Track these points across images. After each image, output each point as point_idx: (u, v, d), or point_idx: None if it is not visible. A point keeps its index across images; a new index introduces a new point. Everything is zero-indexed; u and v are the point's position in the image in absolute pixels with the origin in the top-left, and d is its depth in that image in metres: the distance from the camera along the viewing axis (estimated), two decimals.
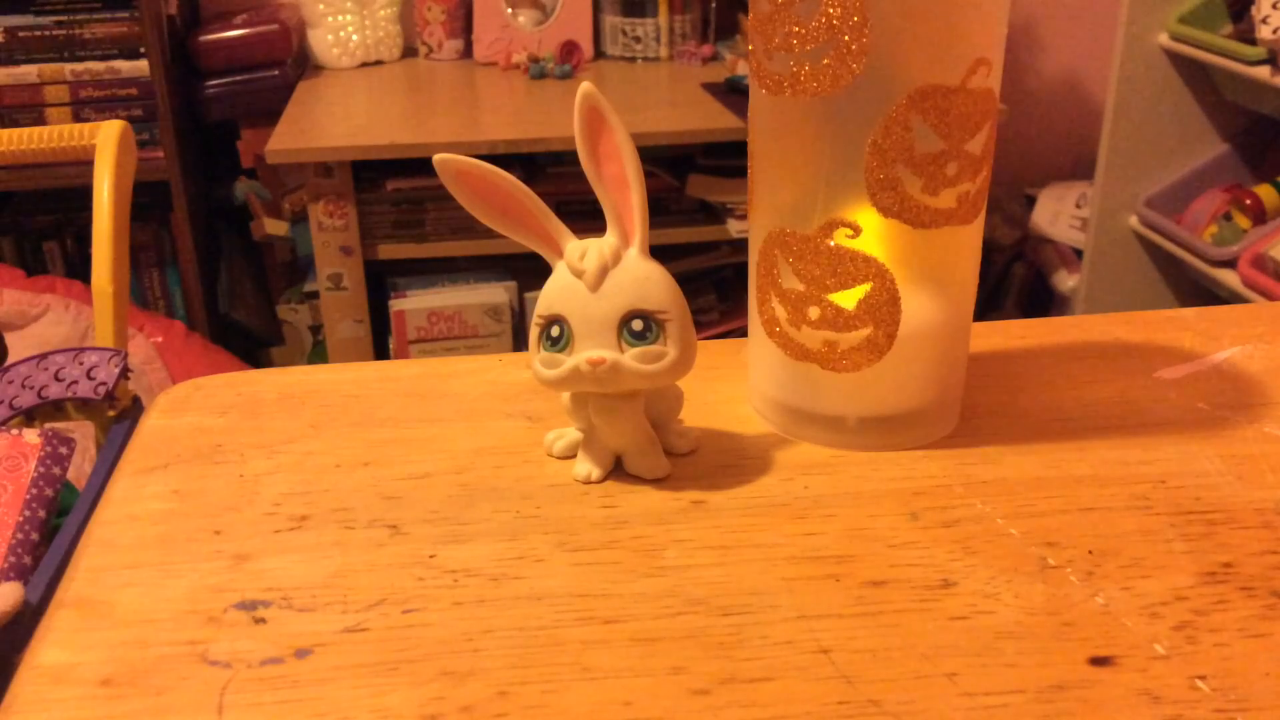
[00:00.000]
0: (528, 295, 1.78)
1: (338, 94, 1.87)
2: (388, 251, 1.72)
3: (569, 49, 1.98)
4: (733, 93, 1.78)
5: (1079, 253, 2.00)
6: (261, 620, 0.34)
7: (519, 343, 1.77)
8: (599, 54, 2.04)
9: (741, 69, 1.88)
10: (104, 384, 0.87)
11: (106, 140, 1.03)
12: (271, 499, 0.40)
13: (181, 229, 1.87)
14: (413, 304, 1.73)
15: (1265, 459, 0.42)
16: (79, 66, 1.80)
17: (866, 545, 0.37)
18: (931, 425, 0.43)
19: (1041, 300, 2.10)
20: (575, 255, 0.38)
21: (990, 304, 2.12)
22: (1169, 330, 0.52)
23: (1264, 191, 1.73)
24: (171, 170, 1.82)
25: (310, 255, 1.74)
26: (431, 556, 0.37)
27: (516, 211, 0.39)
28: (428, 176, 1.61)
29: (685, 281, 0.44)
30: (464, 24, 2.01)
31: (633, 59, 2.02)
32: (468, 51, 2.02)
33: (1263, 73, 1.57)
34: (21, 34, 1.79)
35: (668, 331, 0.38)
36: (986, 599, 0.34)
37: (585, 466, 0.41)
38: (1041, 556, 0.36)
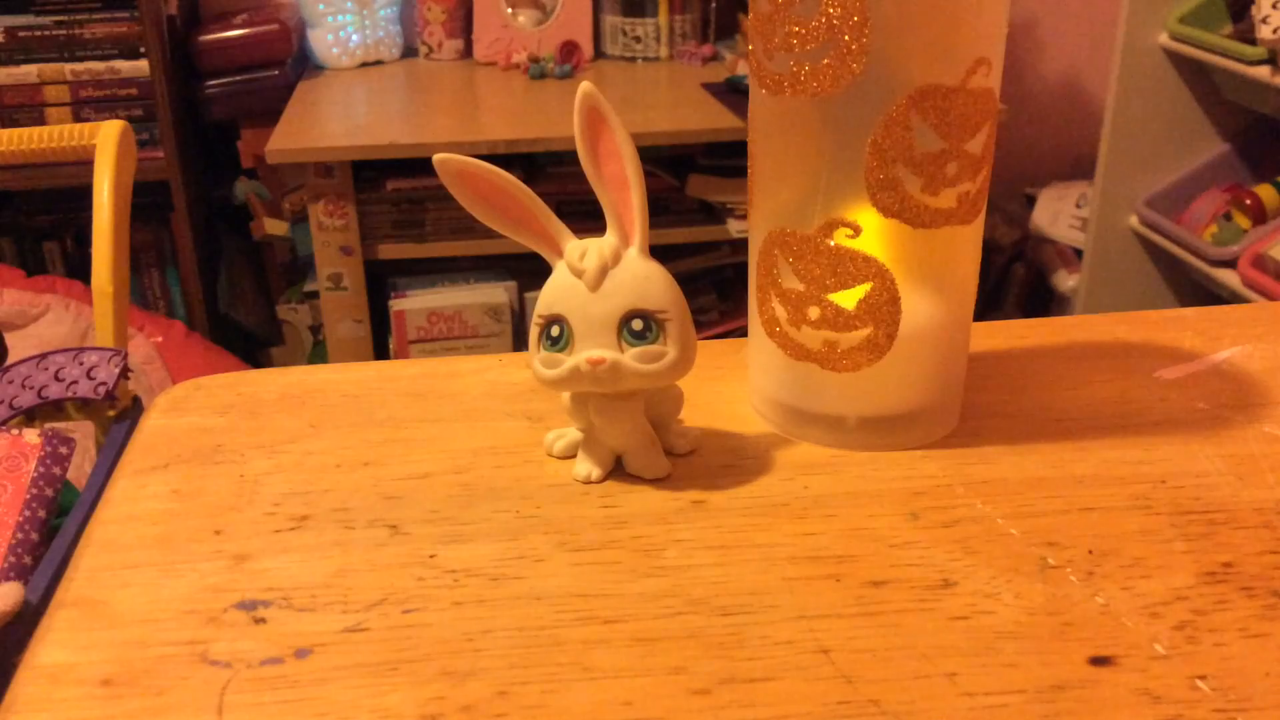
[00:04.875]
0: (528, 295, 1.78)
1: (338, 94, 1.87)
2: (388, 251, 1.72)
3: (569, 49, 1.98)
4: (733, 93, 1.78)
5: (1079, 253, 1.99)
6: (261, 620, 0.34)
7: (519, 343, 1.77)
8: (599, 54, 2.04)
9: (741, 69, 1.88)
10: (104, 384, 0.87)
11: (106, 140, 1.03)
12: (271, 499, 0.40)
13: (181, 229, 1.87)
14: (413, 304, 1.73)
15: (1265, 459, 0.42)
16: (79, 66, 1.80)
17: (866, 545, 0.37)
18: (931, 425, 0.43)
19: (1041, 300, 2.10)
20: (575, 255, 0.38)
21: (990, 304, 2.12)
22: (1169, 330, 0.52)
23: (1264, 191, 1.73)
24: (171, 170, 1.81)
25: (310, 255, 1.74)
26: (431, 556, 0.37)
27: (516, 211, 0.39)
28: (428, 176, 1.61)
29: (685, 281, 0.44)
30: (464, 24, 2.01)
31: (633, 59, 2.02)
32: (468, 51, 2.02)
33: (1263, 73, 1.57)
34: (21, 34, 1.79)
35: (668, 331, 0.38)
36: (986, 599, 0.34)
37: (585, 466, 0.41)
38: (1041, 556, 0.36)
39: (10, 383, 0.87)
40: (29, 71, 1.80)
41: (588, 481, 0.41)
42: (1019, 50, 2.15)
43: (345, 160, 1.64)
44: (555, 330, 0.38)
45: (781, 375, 0.43)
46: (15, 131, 1.08)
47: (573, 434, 0.42)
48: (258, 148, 1.76)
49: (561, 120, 1.64)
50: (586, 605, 0.34)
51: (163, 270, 1.97)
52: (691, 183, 1.76)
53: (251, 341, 2.01)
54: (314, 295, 1.84)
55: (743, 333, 0.46)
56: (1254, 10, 1.58)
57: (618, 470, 0.41)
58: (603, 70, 1.98)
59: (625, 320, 0.38)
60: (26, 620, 0.65)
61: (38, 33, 1.79)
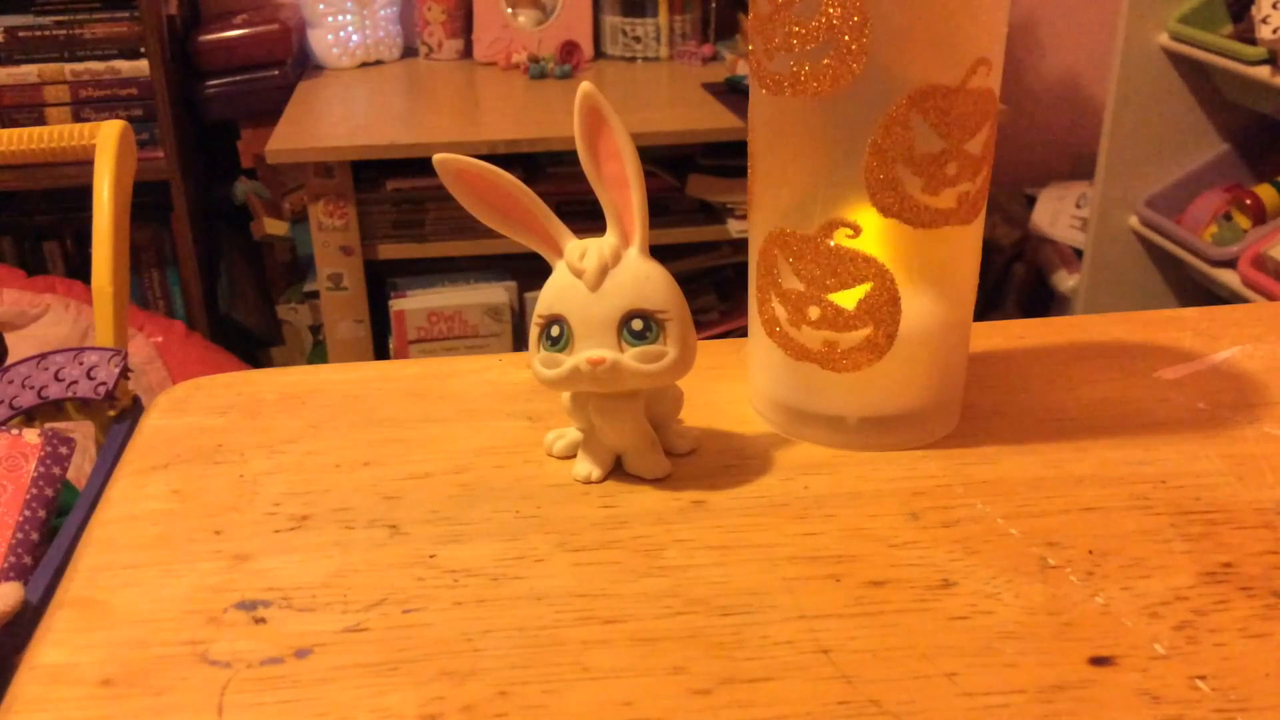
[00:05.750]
0: (528, 295, 1.78)
1: (338, 94, 1.87)
2: (388, 251, 1.71)
3: (569, 49, 1.98)
4: (733, 93, 1.78)
5: (1079, 253, 2.00)
6: (261, 620, 0.34)
7: (519, 343, 1.77)
8: (599, 54, 2.04)
9: (741, 69, 1.88)
10: (104, 384, 0.87)
11: (106, 140, 1.03)
12: (271, 499, 0.40)
13: (181, 229, 1.87)
14: (413, 304, 1.73)
15: (1265, 459, 0.42)
16: (79, 66, 1.80)
17: (866, 545, 0.37)
18: (931, 425, 0.43)
19: (1041, 300, 2.10)
20: (575, 255, 0.38)
21: (990, 304, 2.12)
22: (1169, 330, 0.52)
23: (1264, 191, 1.73)
24: (171, 170, 1.82)
25: (310, 255, 1.74)
26: (431, 556, 0.37)
27: (516, 211, 0.39)
28: (428, 176, 1.61)
29: (685, 281, 0.44)
30: (464, 24, 2.01)
31: (633, 59, 2.02)
32: (468, 51, 2.02)
33: (1263, 73, 1.57)
34: (21, 34, 1.79)
35: (668, 331, 0.38)
36: (986, 599, 0.34)
37: (585, 466, 0.41)
38: (1041, 556, 0.36)
39: (10, 383, 0.87)
40: (29, 71, 1.80)
41: (588, 481, 0.41)
42: (1019, 50, 2.15)
43: (345, 160, 1.64)
44: (555, 330, 0.38)
45: (781, 375, 0.43)
46: (15, 131, 1.07)
47: (573, 434, 0.42)
48: (258, 148, 1.76)
49: (561, 120, 1.64)
50: (586, 605, 0.34)
51: (163, 270, 1.97)
52: (691, 183, 1.76)
53: (251, 341, 2.01)
54: (314, 295, 1.84)
55: (743, 333, 0.46)
56: (1254, 10, 1.58)
57: (618, 470, 0.41)
58: (603, 70, 1.98)
59: (625, 320, 0.38)
60: (26, 620, 0.65)
61: (38, 33, 1.79)
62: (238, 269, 1.99)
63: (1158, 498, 0.39)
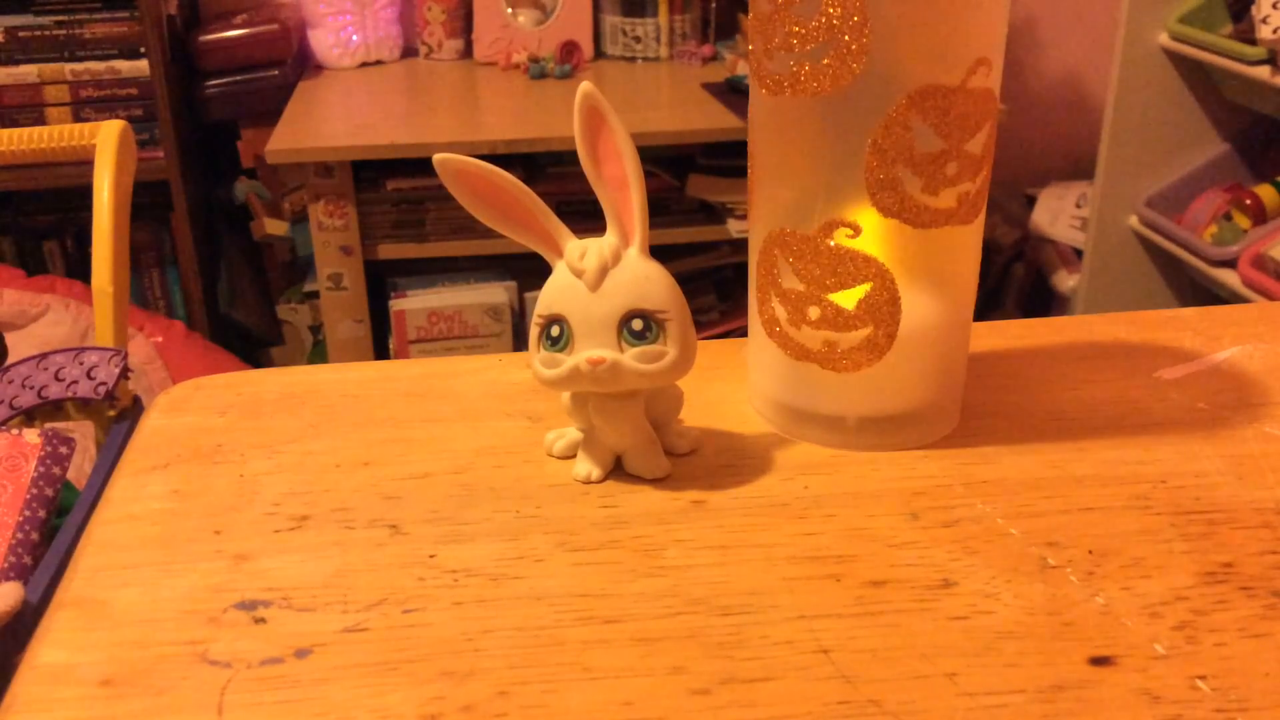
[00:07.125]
0: (528, 295, 1.78)
1: (338, 94, 1.87)
2: (388, 251, 1.72)
3: (569, 49, 1.98)
4: (733, 93, 1.78)
5: (1079, 253, 1.99)
6: (261, 620, 0.34)
7: (519, 343, 1.77)
8: (599, 54, 2.04)
9: (741, 69, 1.88)
10: (104, 384, 0.87)
11: (106, 140, 1.03)
12: (271, 499, 0.40)
13: (181, 229, 1.87)
14: (413, 304, 1.73)
15: (1265, 459, 0.42)
16: (79, 66, 1.80)
17: (866, 545, 0.37)
18: (931, 425, 0.43)
19: (1041, 300, 2.10)
20: (575, 255, 0.38)
21: (990, 304, 2.12)
22: (1169, 330, 0.52)
23: (1264, 191, 1.73)
24: (171, 170, 1.82)
25: (310, 255, 1.74)
26: (431, 556, 0.37)
27: (516, 211, 0.39)
28: (428, 176, 1.61)
29: (685, 281, 0.44)
30: (464, 24, 2.01)
31: (633, 59, 2.02)
32: (468, 51, 2.02)
33: (1263, 73, 1.57)
34: (21, 34, 1.79)
35: (668, 331, 0.38)
36: (986, 599, 0.34)
37: (585, 466, 0.41)
38: (1041, 556, 0.36)
39: (10, 383, 0.87)
40: (29, 71, 1.80)
41: (588, 481, 0.41)
42: (1019, 50, 2.15)
43: (345, 160, 1.64)
44: (555, 330, 0.38)
45: (781, 375, 0.43)
46: (15, 131, 1.07)
47: (573, 434, 0.42)
48: (258, 148, 1.76)
49: (561, 120, 1.64)
50: (586, 605, 0.34)
51: (163, 270, 1.97)
52: (691, 183, 1.76)
53: (251, 341, 2.01)
54: (314, 295, 1.84)
55: (743, 333, 0.46)
56: (1254, 10, 1.58)
57: (618, 470, 0.41)
58: (603, 70, 1.98)
59: (625, 320, 0.38)
60: (26, 620, 0.65)
61: (38, 33, 1.79)
62: (238, 269, 1.99)
63: (1158, 498, 0.39)
